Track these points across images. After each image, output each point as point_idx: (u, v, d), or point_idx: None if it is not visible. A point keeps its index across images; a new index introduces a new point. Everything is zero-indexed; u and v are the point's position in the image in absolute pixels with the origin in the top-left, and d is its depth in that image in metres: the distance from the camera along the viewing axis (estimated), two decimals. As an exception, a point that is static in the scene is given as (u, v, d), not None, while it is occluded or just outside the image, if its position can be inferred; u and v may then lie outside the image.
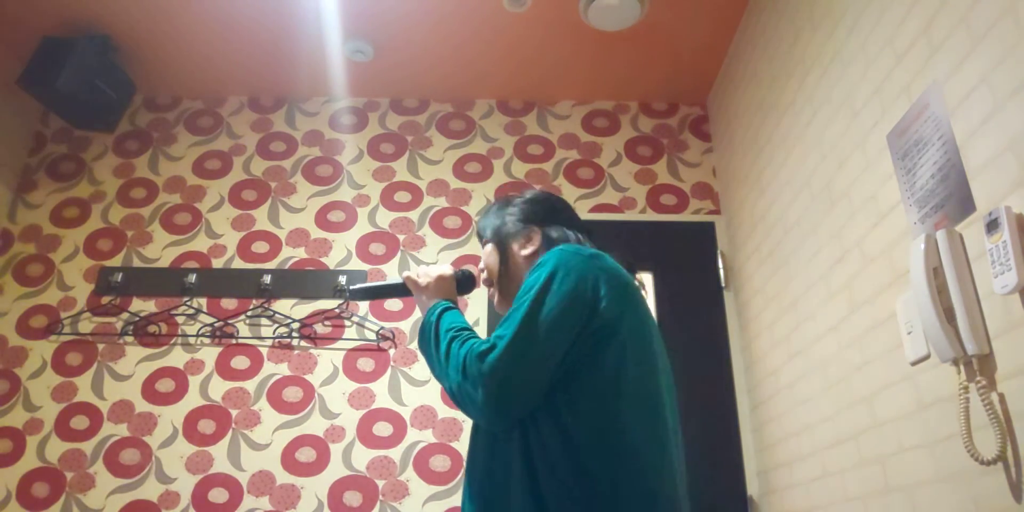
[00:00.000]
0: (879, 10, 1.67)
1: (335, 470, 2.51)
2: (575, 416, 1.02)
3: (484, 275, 1.34)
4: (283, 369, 2.67)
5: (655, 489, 1.00)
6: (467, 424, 2.57)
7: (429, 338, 1.16)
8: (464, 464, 1.13)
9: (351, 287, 1.35)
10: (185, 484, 2.48)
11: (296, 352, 2.70)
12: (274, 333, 2.72)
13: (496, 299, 1.32)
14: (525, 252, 1.28)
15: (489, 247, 1.34)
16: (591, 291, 1.08)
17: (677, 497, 1.03)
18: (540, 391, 1.03)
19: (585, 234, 1.32)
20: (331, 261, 2.87)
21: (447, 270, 1.30)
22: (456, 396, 1.07)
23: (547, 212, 1.34)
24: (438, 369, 1.12)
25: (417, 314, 2.77)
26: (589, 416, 1.02)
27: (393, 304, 2.78)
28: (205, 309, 2.76)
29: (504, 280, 1.29)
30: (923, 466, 1.42)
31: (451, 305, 1.22)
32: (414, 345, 2.72)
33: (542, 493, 0.98)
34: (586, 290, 1.08)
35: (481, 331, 2.70)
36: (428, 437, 2.56)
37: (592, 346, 1.05)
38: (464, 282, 1.33)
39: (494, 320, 2.70)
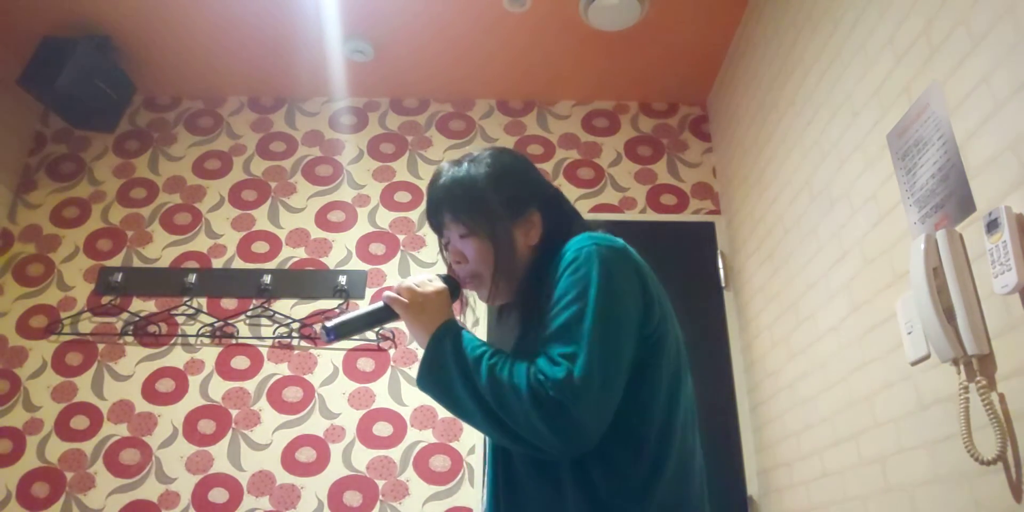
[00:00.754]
0: (879, 10, 1.67)
1: (335, 470, 2.51)
2: (647, 426, 0.95)
3: (467, 269, 1.10)
4: (283, 369, 2.67)
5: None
6: (469, 427, 2.57)
7: (450, 369, 0.96)
8: (486, 487, 1.02)
9: (325, 324, 1.06)
10: (185, 484, 2.48)
11: (296, 352, 2.70)
12: (274, 333, 2.72)
13: (491, 296, 1.11)
14: (532, 242, 1.09)
15: (477, 241, 1.08)
16: (641, 294, 0.98)
17: None
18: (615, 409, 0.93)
19: (559, 198, 1.16)
20: (331, 261, 2.87)
21: (439, 283, 1.08)
22: (519, 429, 0.90)
23: (528, 184, 1.13)
24: (473, 403, 0.93)
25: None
26: (656, 426, 0.95)
27: (393, 304, 2.78)
28: (205, 309, 2.76)
29: (505, 275, 1.08)
30: (923, 466, 1.42)
31: (459, 325, 1.03)
32: (414, 345, 2.71)
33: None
34: (637, 293, 0.97)
35: (482, 332, 2.70)
36: (428, 437, 2.56)
37: (649, 352, 0.97)
38: (456, 292, 1.12)
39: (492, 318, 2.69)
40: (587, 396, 0.87)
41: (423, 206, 2.98)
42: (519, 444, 0.92)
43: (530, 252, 1.09)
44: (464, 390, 0.94)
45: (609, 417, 0.91)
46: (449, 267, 1.16)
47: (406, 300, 1.04)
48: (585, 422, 0.88)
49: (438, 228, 1.14)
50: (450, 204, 1.10)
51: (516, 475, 0.98)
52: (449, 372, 0.96)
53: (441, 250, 1.17)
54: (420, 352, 2.65)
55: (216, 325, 2.72)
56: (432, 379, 0.98)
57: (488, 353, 0.96)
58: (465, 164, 1.12)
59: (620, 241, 1.02)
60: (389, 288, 1.08)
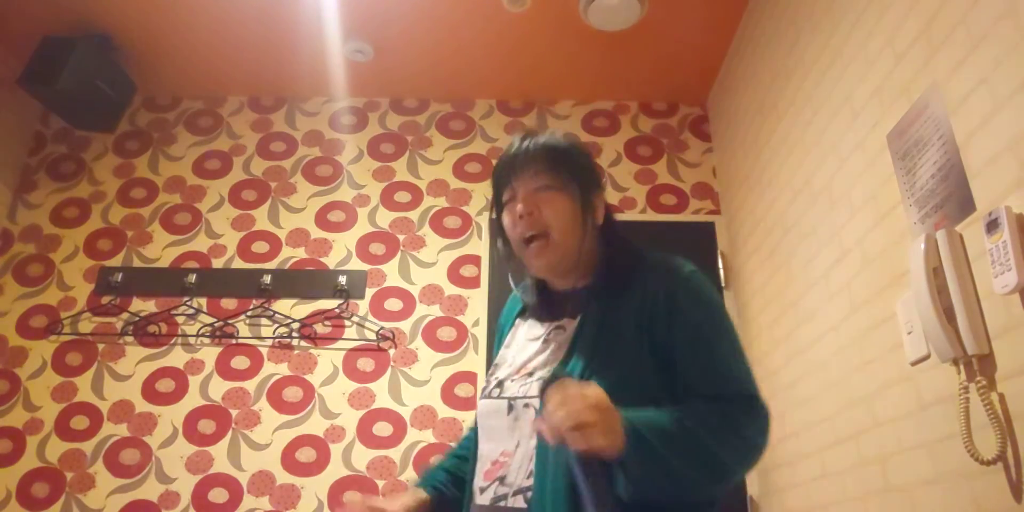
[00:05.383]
0: (879, 10, 1.67)
1: (335, 470, 2.51)
2: None
3: (537, 222, 1.07)
4: (283, 369, 2.67)
5: None
6: (468, 424, 2.57)
7: (659, 456, 0.88)
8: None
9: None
10: (185, 484, 2.48)
11: (296, 352, 2.70)
12: (274, 333, 2.72)
13: (544, 255, 1.08)
14: (599, 223, 1.13)
15: (561, 197, 1.09)
16: None
17: None
18: None
19: None
20: (331, 261, 2.87)
21: (596, 389, 0.88)
22: (750, 461, 0.97)
23: (598, 171, 1.20)
24: (697, 471, 0.91)
25: (418, 313, 2.77)
26: None
27: (393, 304, 2.78)
28: (205, 309, 2.76)
29: (578, 237, 1.08)
30: (923, 466, 1.42)
31: (626, 419, 0.88)
32: (415, 345, 2.71)
33: None
34: None
35: (481, 331, 2.70)
36: (428, 437, 2.56)
37: None
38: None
39: (496, 300, 2.69)
40: (765, 409, 0.98)
41: (423, 206, 2.98)
42: (729, 481, 0.95)
43: (595, 232, 1.11)
44: (674, 466, 0.88)
45: None
46: (496, 227, 1.15)
47: (603, 442, 0.85)
48: (769, 430, 0.98)
49: (507, 179, 1.12)
50: (550, 154, 1.10)
51: (601, 472, 0.89)
52: (655, 461, 0.88)
53: (493, 209, 1.15)
54: (423, 361, 2.58)
55: (216, 325, 2.72)
56: (649, 477, 0.88)
57: (679, 416, 0.90)
58: (559, 134, 1.15)
59: None
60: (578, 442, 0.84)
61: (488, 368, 1.22)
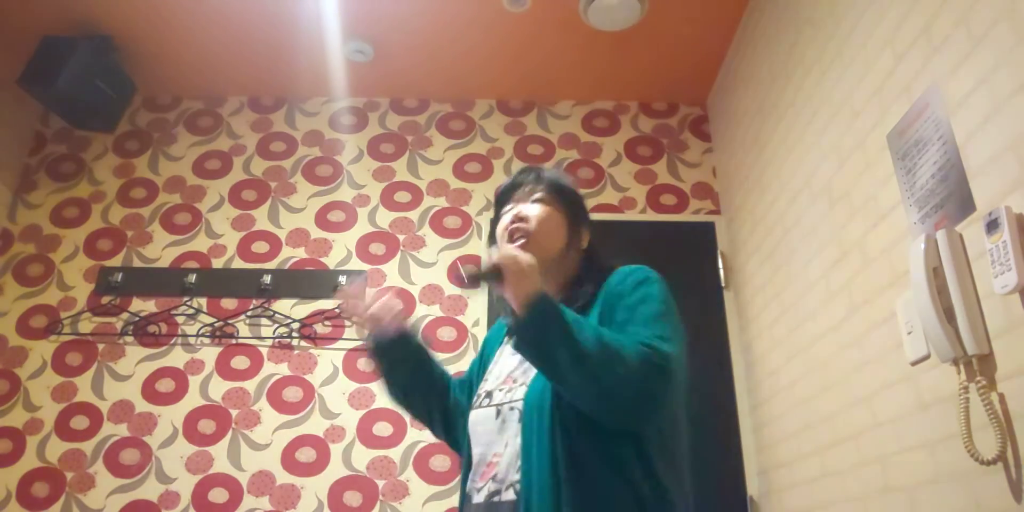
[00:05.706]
0: (879, 10, 1.67)
1: (335, 470, 2.51)
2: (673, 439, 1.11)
3: (521, 225, 1.24)
4: (283, 369, 2.67)
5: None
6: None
7: (556, 326, 1.01)
8: (534, 471, 1.04)
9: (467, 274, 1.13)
10: (185, 484, 2.48)
11: (296, 352, 2.70)
12: (274, 333, 2.72)
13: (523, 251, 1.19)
14: (582, 246, 1.31)
15: (551, 211, 1.27)
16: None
17: None
18: None
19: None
20: (331, 261, 2.87)
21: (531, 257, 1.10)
22: (617, 387, 1.00)
23: (588, 213, 1.38)
24: (572, 358, 0.99)
25: (418, 313, 2.76)
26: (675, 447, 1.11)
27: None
28: (205, 309, 2.76)
29: (551, 252, 1.23)
30: (923, 466, 1.42)
31: (546, 293, 1.06)
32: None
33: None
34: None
35: (481, 331, 2.70)
36: (428, 437, 2.56)
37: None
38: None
39: (495, 300, 2.69)
40: (677, 373, 1.04)
41: (423, 206, 2.98)
42: (603, 402, 1.01)
43: (577, 254, 1.29)
44: (567, 345, 1.00)
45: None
46: (490, 236, 1.33)
47: (516, 268, 1.08)
48: (671, 393, 1.04)
49: (508, 195, 1.32)
50: (550, 181, 1.31)
51: (581, 459, 1.03)
52: (554, 329, 1.01)
53: (496, 219, 1.32)
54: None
55: (216, 325, 2.72)
56: (537, 334, 1.02)
57: (585, 320, 1.05)
58: (561, 171, 1.40)
59: None
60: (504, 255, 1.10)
61: (470, 374, 1.38)
